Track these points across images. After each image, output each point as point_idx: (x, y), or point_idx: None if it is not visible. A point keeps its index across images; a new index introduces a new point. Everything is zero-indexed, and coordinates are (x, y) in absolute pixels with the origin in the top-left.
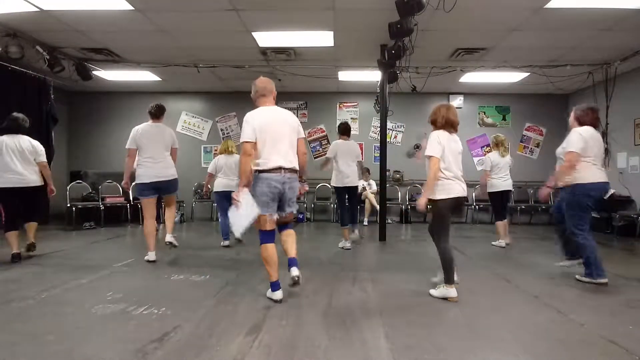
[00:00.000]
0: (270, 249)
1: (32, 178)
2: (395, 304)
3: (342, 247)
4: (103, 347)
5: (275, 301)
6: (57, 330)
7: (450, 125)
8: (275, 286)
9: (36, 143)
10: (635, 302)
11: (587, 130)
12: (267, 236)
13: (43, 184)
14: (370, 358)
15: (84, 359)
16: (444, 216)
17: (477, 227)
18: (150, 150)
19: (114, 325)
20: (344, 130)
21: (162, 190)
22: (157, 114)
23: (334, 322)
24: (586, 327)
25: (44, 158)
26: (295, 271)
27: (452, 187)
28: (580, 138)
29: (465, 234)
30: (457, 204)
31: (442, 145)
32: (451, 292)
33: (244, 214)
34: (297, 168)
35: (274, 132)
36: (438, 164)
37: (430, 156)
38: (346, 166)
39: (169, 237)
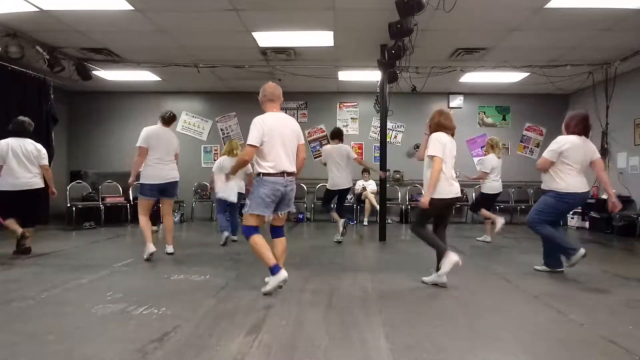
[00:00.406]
0: (259, 237)
1: (34, 181)
2: (395, 304)
3: (337, 240)
4: (103, 347)
5: (280, 282)
6: (57, 330)
7: (443, 129)
8: (276, 268)
9: (40, 146)
10: (635, 302)
11: (569, 139)
12: (254, 229)
13: (44, 186)
14: (370, 358)
15: (84, 359)
16: (430, 212)
17: (477, 227)
18: (159, 152)
19: (114, 325)
20: (333, 135)
21: (166, 192)
22: (169, 121)
23: (334, 322)
24: (586, 327)
25: (46, 161)
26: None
27: (448, 189)
28: (557, 148)
29: (465, 233)
30: (449, 203)
31: (443, 146)
32: (451, 256)
33: (225, 193)
34: (295, 171)
35: (281, 137)
36: (441, 164)
37: (433, 156)
38: (336, 170)
39: (169, 249)
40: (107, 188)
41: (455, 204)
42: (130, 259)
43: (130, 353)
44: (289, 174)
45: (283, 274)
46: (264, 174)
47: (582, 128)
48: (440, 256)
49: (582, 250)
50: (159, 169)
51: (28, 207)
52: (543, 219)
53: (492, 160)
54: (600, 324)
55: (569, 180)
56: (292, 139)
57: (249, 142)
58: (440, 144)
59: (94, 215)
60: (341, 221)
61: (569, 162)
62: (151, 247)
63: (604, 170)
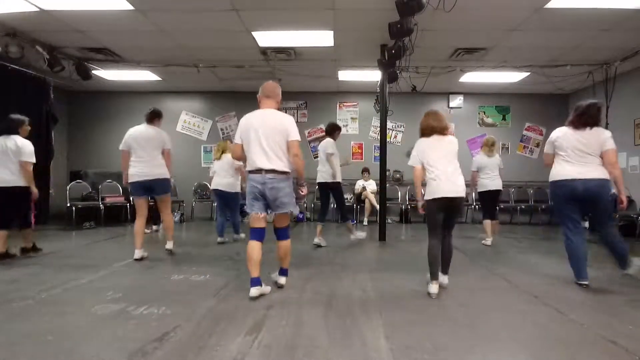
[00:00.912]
0: (251, 247)
1: (11, 179)
2: (395, 304)
3: (317, 244)
4: (103, 347)
5: (250, 298)
6: (57, 330)
7: (431, 130)
8: (252, 282)
9: (22, 143)
10: (635, 302)
11: (560, 130)
12: (254, 234)
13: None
14: (370, 358)
15: (84, 359)
16: (430, 215)
17: (478, 227)
18: (140, 151)
19: (114, 325)
20: (325, 131)
21: (153, 190)
22: (152, 118)
23: (334, 322)
24: (586, 327)
25: (26, 158)
26: (282, 280)
27: (438, 188)
28: (549, 140)
29: (465, 233)
30: (448, 204)
31: (421, 152)
32: (430, 287)
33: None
34: (284, 170)
35: (257, 134)
36: (418, 172)
37: (412, 166)
38: (320, 165)
39: (169, 245)
40: (107, 188)
41: (456, 204)
42: (130, 258)
43: (130, 353)
44: (268, 171)
45: (253, 292)
46: (247, 171)
47: (580, 117)
48: (430, 272)
49: (584, 282)
50: (140, 168)
51: (11, 206)
52: (564, 222)
53: (477, 159)
54: (600, 324)
55: (555, 168)
56: (274, 135)
57: (234, 141)
58: (417, 152)
59: (94, 215)
60: (319, 228)
61: (559, 152)
62: (137, 254)
63: (612, 165)
